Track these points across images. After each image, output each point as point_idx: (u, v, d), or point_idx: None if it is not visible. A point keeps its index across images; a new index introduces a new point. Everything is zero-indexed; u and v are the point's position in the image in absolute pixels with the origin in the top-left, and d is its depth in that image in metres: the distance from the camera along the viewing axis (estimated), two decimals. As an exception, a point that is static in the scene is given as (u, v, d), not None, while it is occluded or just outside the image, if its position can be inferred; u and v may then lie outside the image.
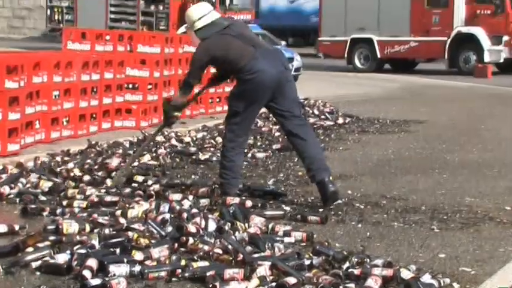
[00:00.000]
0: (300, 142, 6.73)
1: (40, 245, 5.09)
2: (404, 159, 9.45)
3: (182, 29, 6.98)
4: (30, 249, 5.01)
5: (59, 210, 6.15)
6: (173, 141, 9.84)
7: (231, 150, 6.74)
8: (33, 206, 6.27)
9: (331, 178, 6.72)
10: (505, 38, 24.41)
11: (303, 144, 6.72)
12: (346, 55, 27.20)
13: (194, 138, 10.29)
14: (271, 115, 12.90)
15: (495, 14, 24.61)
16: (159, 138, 9.99)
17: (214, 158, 8.89)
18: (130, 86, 11.42)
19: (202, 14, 6.72)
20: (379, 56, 26.67)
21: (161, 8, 30.31)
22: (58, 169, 7.68)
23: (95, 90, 10.52)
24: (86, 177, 7.32)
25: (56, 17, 32.18)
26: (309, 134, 6.84)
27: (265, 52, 6.71)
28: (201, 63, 6.74)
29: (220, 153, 7.06)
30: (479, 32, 24.76)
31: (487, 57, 24.75)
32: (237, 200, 6.48)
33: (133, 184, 7.20)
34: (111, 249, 5.02)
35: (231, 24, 6.78)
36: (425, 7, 25.72)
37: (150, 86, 11.60)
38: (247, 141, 7.03)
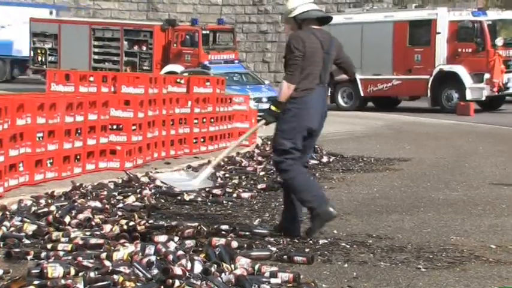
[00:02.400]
0: None
1: (24, 289, 5.03)
2: (389, 197, 9.46)
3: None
4: (14, 293, 4.96)
5: (43, 254, 6.09)
6: (158, 182, 9.80)
7: (302, 179, 6.90)
8: (17, 250, 6.22)
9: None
10: (486, 75, 24.64)
11: None
12: (329, 93, 27.30)
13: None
14: (256, 155, 13.03)
15: (476, 52, 24.86)
16: (144, 179, 9.97)
17: (199, 199, 8.87)
18: (115, 126, 11.40)
19: (300, 2, 6.86)
20: (362, 94, 26.85)
21: (144, 48, 30.48)
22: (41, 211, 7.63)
23: (79, 131, 10.50)
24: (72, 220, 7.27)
25: (40, 59, 32.26)
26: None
27: (323, 91, 6.93)
28: (296, 50, 6.74)
29: (294, 192, 6.98)
30: (461, 70, 25.00)
31: (469, 95, 24.96)
32: (222, 241, 6.46)
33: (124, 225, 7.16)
34: (97, 293, 4.97)
35: (327, 35, 6.93)
36: (407, 46, 25.96)
37: (134, 127, 11.58)
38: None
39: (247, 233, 6.97)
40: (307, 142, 6.92)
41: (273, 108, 6.91)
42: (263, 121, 7.08)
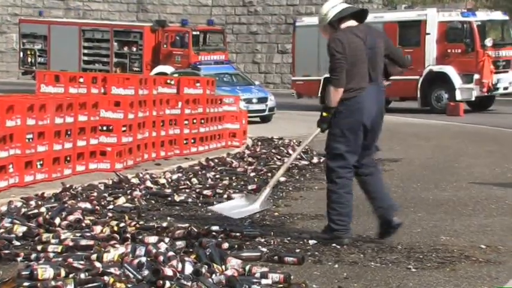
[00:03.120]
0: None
1: (15, 291, 5.03)
2: (379, 198, 9.45)
3: None
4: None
5: (33, 255, 6.08)
6: (148, 183, 9.80)
7: (344, 195, 6.76)
8: (7, 252, 6.20)
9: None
10: (476, 76, 24.69)
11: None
12: (319, 94, 27.35)
13: (169, 180, 10.26)
14: (246, 156, 13.03)
15: (466, 52, 24.91)
16: (134, 180, 9.96)
17: (189, 200, 8.88)
18: (105, 128, 11.40)
19: (330, 7, 6.81)
20: (352, 95, 26.84)
21: (134, 49, 30.45)
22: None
23: (69, 132, 10.49)
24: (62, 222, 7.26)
25: (29, 60, 32.19)
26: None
27: (376, 89, 6.75)
28: (338, 52, 6.63)
29: (329, 200, 6.87)
30: (451, 71, 25.04)
31: (458, 96, 25.01)
32: (213, 241, 6.46)
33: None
34: (87, 294, 4.97)
35: (368, 29, 6.85)
36: (397, 46, 25.98)
37: (124, 128, 11.57)
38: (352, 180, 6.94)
39: (237, 234, 6.97)
40: (366, 141, 6.77)
41: (324, 114, 6.82)
42: (318, 129, 6.97)
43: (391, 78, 7.22)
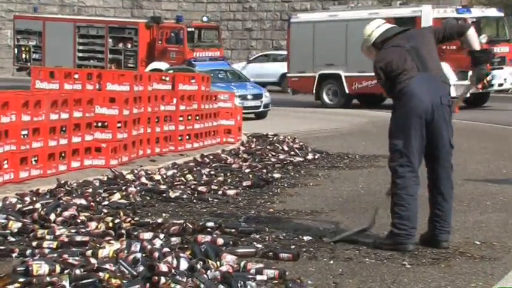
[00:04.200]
0: (441, 199, 6.55)
1: (9, 287, 5.02)
2: (374, 194, 9.46)
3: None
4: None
5: (28, 251, 6.09)
6: (143, 179, 9.80)
7: (405, 197, 6.43)
8: (2, 248, 6.20)
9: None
10: (471, 73, 24.69)
11: (444, 203, 6.55)
12: (314, 91, 27.36)
13: (164, 176, 10.26)
14: (241, 152, 13.02)
15: (461, 49, 24.91)
16: (129, 176, 9.96)
17: (184, 196, 8.88)
18: (100, 124, 11.39)
19: (374, 27, 6.71)
20: (347, 91, 26.86)
21: (129, 45, 30.40)
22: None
23: (64, 129, 10.48)
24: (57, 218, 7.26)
25: (24, 56, 32.13)
26: (452, 194, 6.62)
27: (427, 77, 6.45)
28: (380, 78, 6.56)
29: (392, 202, 6.62)
30: (446, 67, 25.04)
31: (453, 92, 25.00)
32: (208, 238, 6.46)
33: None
34: (82, 290, 4.97)
35: (409, 34, 6.67)
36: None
37: (119, 124, 11.57)
38: (419, 183, 6.54)
39: (232, 230, 6.97)
40: (430, 131, 6.41)
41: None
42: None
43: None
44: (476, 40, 6.69)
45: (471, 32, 6.69)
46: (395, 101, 6.53)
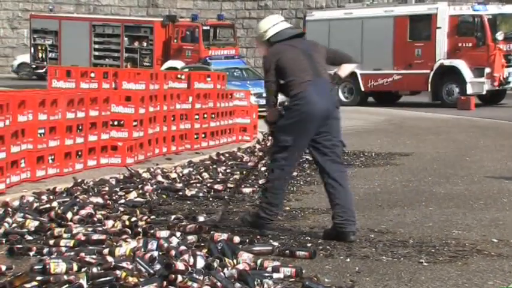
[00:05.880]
0: (336, 187, 6.73)
1: (27, 285, 5.05)
2: (390, 192, 9.47)
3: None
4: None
5: (45, 250, 6.11)
6: (159, 178, 9.82)
7: (278, 188, 6.78)
8: (19, 246, 6.23)
9: (355, 229, 6.74)
10: (487, 70, 24.60)
11: (339, 190, 6.73)
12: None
13: (180, 174, 10.27)
14: (257, 150, 13.03)
15: (477, 46, 24.82)
16: (145, 174, 9.98)
17: (200, 194, 8.89)
18: (116, 122, 11.42)
19: (272, 24, 6.90)
20: (363, 89, 26.83)
21: (145, 44, 30.45)
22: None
23: (80, 127, 10.51)
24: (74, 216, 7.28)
25: (40, 55, 32.24)
26: (346, 180, 6.85)
27: (321, 83, 6.69)
28: (269, 67, 6.72)
29: (264, 189, 7.04)
30: (462, 65, 24.96)
31: (469, 90, 24.93)
32: (225, 236, 6.47)
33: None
34: (100, 289, 4.98)
35: (304, 39, 7.02)
36: (407, 40, 25.95)
37: (135, 123, 11.59)
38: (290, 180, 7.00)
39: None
40: (324, 132, 6.67)
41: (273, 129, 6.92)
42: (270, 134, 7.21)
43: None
44: (348, 71, 7.08)
45: (353, 65, 7.21)
46: (292, 102, 6.66)
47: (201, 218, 7.38)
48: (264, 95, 7.12)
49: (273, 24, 6.89)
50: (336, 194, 6.73)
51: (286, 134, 6.66)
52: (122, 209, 7.86)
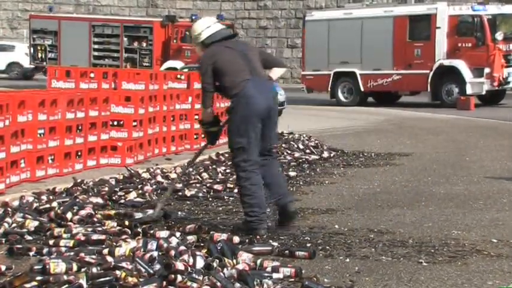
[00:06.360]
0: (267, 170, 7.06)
1: (27, 285, 5.05)
2: (390, 192, 9.47)
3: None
4: (17, 289, 4.97)
5: (45, 250, 6.11)
6: (159, 178, 9.82)
7: (251, 188, 6.88)
8: (19, 246, 6.23)
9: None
10: (487, 70, 24.61)
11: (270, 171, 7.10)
12: (329, 89, 27.33)
13: (180, 175, 10.26)
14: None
15: (476, 46, 24.83)
16: (145, 175, 9.98)
17: (200, 194, 8.89)
18: (116, 123, 11.42)
19: (205, 26, 7.07)
20: (362, 89, 26.84)
21: (144, 44, 30.47)
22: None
23: (80, 128, 10.51)
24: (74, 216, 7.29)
25: (39, 55, 32.25)
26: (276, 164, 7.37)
27: (259, 81, 6.91)
28: (206, 70, 6.91)
29: (240, 195, 7.15)
30: (461, 65, 24.97)
31: (469, 90, 24.94)
32: (224, 236, 6.48)
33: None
34: (99, 289, 4.99)
35: (237, 40, 7.22)
36: (407, 40, 25.95)
37: (135, 123, 11.60)
38: (259, 173, 7.10)
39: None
40: (264, 130, 6.93)
41: (212, 129, 7.20)
42: (205, 144, 7.57)
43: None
44: (279, 74, 7.32)
45: (283, 69, 7.49)
46: (233, 102, 6.89)
47: (139, 215, 7.40)
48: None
49: (207, 26, 7.07)
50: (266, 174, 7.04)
51: (238, 135, 6.87)
52: (121, 209, 7.85)
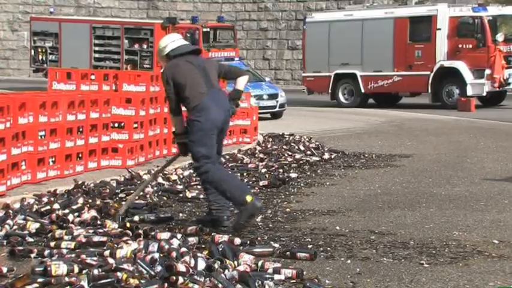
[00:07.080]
0: None
1: (29, 287, 5.05)
2: (391, 193, 9.47)
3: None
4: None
5: (47, 252, 6.12)
6: (160, 180, 9.81)
7: (225, 180, 7.14)
8: (20, 248, 6.23)
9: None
10: (487, 71, 24.61)
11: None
12: (330, 90, 27.34)
13: (181, 176, 10.28)
14: (257, 152, 13.04)
15: (477, 48, 24.82)
16: (146, 177, 9.97)
17: (201, 196, 8.88)
18: (116, 124, 11.42)
19: (171, 41, 7.44)
20: (363, 91, 26.84)
21: (145, 46, 30.43)
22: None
23: (80, 129, 10.51)
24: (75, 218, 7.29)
25: (40, 58, 32.23)
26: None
27: (216, 93, 7.25)
28: (168, 84, 7.24)
29: (206, 195, 7.45)
30: (462, 66, 24.97)
31: (469, 91, 24.93)
32: (225, 237, 6.48)
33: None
34: (101, 290, 4.99)
35: (198, 56, 7.50)
36: (408, 42, 25.95)
37: (136, 125, 11.60)
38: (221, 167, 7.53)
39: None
40: (220, 134, 7.28)
41: (180, 141, 7.43)
42: (178, 153, 7.69)
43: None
44: (244, 84, 7.59)
45: (246, 77, 7.67)
46: (193, 115, 7.20)
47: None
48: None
49: (172, 40, 7.46)
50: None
51: (200, 145, 7.16)
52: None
